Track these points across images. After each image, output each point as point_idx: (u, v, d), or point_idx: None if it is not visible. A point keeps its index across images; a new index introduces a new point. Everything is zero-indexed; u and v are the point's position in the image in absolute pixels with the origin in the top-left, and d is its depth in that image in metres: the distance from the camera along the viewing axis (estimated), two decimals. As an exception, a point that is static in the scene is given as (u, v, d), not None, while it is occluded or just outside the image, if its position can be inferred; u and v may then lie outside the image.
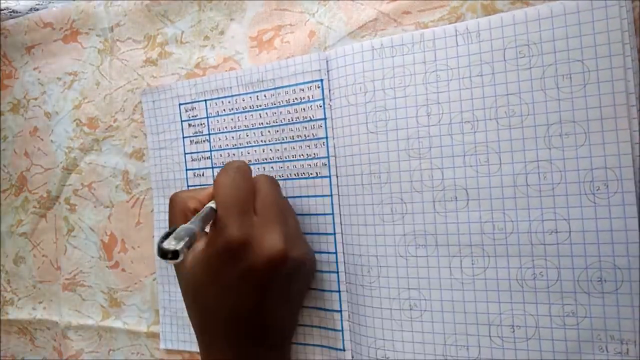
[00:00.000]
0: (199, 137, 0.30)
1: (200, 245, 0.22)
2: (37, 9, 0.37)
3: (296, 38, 0.28)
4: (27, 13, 0.37)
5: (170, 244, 0.17)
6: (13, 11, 0.37)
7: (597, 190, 0.20)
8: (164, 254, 0.17)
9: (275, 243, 0.21)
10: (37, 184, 0.38)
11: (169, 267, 0.32)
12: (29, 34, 0.37)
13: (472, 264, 0.22)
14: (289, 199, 0.27)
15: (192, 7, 0.31)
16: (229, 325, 0.23)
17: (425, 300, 0.23)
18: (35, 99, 0.37)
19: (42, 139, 0.37)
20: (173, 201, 0.24)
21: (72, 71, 0.36)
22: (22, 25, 0.37)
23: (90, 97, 0.35)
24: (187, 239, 0.18)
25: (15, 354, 0.39)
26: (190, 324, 0.25)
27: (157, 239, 0.32)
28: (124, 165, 0.34)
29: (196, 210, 0.23)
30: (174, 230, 0.18)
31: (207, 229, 0.22)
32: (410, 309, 0.24)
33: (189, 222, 0.19)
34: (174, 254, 0.17)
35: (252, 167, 0.29)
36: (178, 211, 0.24)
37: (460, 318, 0.23)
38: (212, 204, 0.22)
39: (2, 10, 0.36)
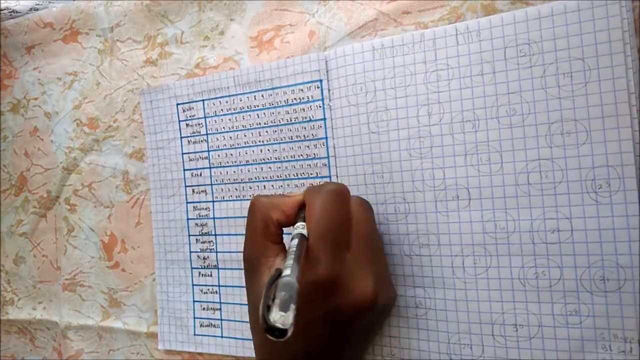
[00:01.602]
0: (197, 137, 0.30)
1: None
2: (37, 9, 0.37)
3: (296, 38, 0.28)
4: (27, 13, 0.37)
5: (277, 318, 0.15)
6: (13, 11, 0.37)
7: (599, 188, 0.20)
8: (270, 331, 0.15)
9: (366, 289, 0.20)
10: (37, 184, 0.37)
11: (167, 268, 0.32)
12: (29, 34, 0.37)
13: (475, 263, 0.22)
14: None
15: (192, 8, 0.31)
16: None
17: (430, 298, 0.23)
18: (35, 99, 0.37)
19: (42, 139, 0.37)
20: (254, 207, 0.22)
21: (72, 71, 0.36)
22: (22, 25, 0.37)
23: (90, 97, 0.35)
24: (293, 307, 0.15)
25: (15, 354, 0.39)
26: (252, 346, 0.23)
27: (156, 240, 0.32)
28: (124, 165, 0.34)
29: (279, 223, 0.21)
30: (274, 280, 0.16)
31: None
32: (416, 307, 0.24)
33: (285, 266, 0.17)
34: (282, 333, 0.15)
35: (250, 167, 0.29)
36: (259, 219, 0.22)
37: (464, 317, 0.23)
38: (302, 229, 0.20)
39: (2, 10, 0.36)
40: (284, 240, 0.22)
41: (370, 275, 0.20)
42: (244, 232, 0.23)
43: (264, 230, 0.21)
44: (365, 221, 0.22)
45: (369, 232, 0.22)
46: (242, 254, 0.31)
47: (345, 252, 0.20)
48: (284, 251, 0.21)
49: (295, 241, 0.19)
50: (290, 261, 0.18)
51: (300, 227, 0.20)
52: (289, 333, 0.15)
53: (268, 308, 0.15)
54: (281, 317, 0.15)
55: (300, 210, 0.22)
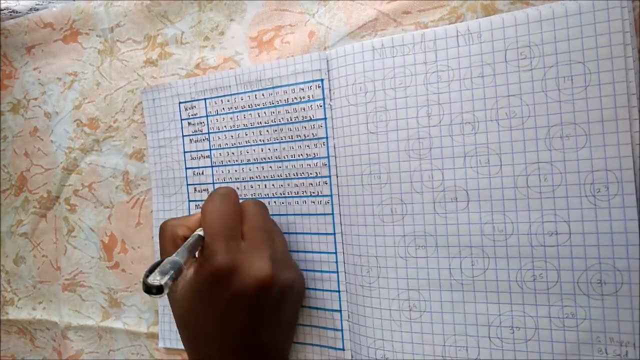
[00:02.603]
0: (199, 136, 0.30)
1: (190, 271, 0.22)
2: (37, 9, 0.37)
3: (296, 38, 0.28)
4: (27, 13, 0.37)
5: (155, 279, 0.17)
6: (13, 11, 0.37)
7: (597, 192, 0.20)
8: (148, 289, 0.17)
9: (262, 268, 0.21)
10: (37, 184, 0.38)
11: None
12: (29, 34, 0.37)
13: (472, 265, 0.22)
14: (287, 199, 0.27)
15: (192, 8, 0.31)
16: (223, 350, 0.23)
17: (424, 301, 0.23)
18: (35, 99, 0.37)
19: (42, 139, 0.37)
20: (162, 229, 0.24)
21: (72, 71, 0.36)
22: (22, 25, 0.37)
23: (90, 98, 0.35)
24: (172, 272, 0.18)
25: (15, 354, 0.39)
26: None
27: (156, 239, 0.32)
28: (124, 165, 0.34)
29: (185, 238, 0.23)
30: (159, 263, 0.19)
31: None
32: (410, 310, 0.24)
33: (174, 254, 0.20)
34: (159, 289, 0.17)
35: (251, 166, 0.29)
36: (168, 239, 0.24)
37: (460, 319, 0.23)
38: (200, 232, 0.22)
39: (2, 10, 0.36)
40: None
41: (265, 257, 0.22)
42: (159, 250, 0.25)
43: (173, 247, 0.23)
44: (256, 214, 0.24)
45: (261, 223, 0.23)
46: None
47: (240, 242, 0.22)
48: (194, 261, 0.23)
49: (190, 238, 0.22)
50: (179, 249, 0.20)
51: (198, 231, 0.23)
52: (165, 290, 0.17)
53: (150, 273, 0.18)
54: (159, 280, 0.17)
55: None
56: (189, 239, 0.22)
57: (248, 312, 0.22)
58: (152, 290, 0.17)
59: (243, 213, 0.23)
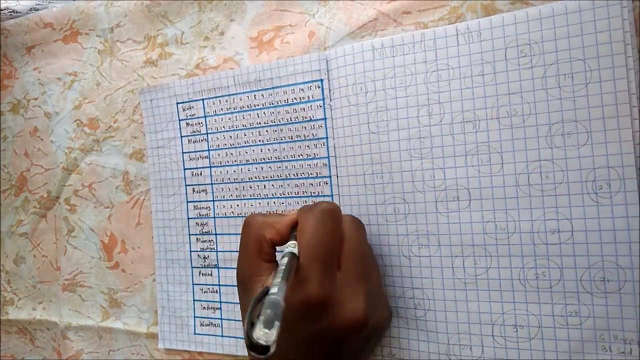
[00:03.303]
0: (197, 137, 0.30)
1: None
2: (37, 9, 0.37)
3: (296, 38, 0.28)
4: (27, 13, 0.37)
5: (260, 335, 0.15)
6: (13, 11, 0.37)
7: (599, 189, 0.20)
8: (254, 347, 0.15)
9: (356, 309, 0.20)
10: (38, 184, 0.37)
11: (167, 267, 0.32)
12: (29, 34, 0.37)
13: (475, 263, 0.22)
14: (287, 199, 0.27)
15: (192, 8, 0.31)
16: None
17: (429, 299, 0.23)
18: (35, 99, 0.37)
19: (42, 139, 0.37)
20: (248, 225, 0.22)
21: (72, 71, 0.36)
22: (22, 26, 0.37)
23: (90, 98, 0.35)
24: (277, 324, 0.15)
25: (15, 354, 0.39)
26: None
27: (157, 239, 0.32)
28: (124, 165, 0.34)
29: (272, 242, 0.22)
30: (260, 298, 0.16)
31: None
32: (415, 308, 0.24)
33: (273, 284, 0.17)
34: (265, 350, 0.15)
35: (250, 167, 0.29)
36: (252, 238, 0.22)
37: (464, 318, 0.23)
38: (293, 249, 0.20)
39: (2, 10, 0.36)
40: (277, 259, 0.22)
41: (361, 295, 0.20)
42: (239, 244, 0.23)
43: (257, 249, 0.22)
44: (357, 240, 0.22)
45: (360, 251, 0.22)
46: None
47: (336, 272, 0.20)
48: (276, 269, 0.21)
49: (285, 260, 0.19)
50: (278, 279, 0.18)
51: (292, 246, 0.21)
52: (272, 350, 0.15)
53: (252, 325, 0.15)
54: (265, 335, 0.15)
55: (293, 230, 0.22)
56: (283, 260, 0.19)
57: (331, 349, 0.20)
58: (257, 349, 0.15)
59: (343, 235, 0.21)
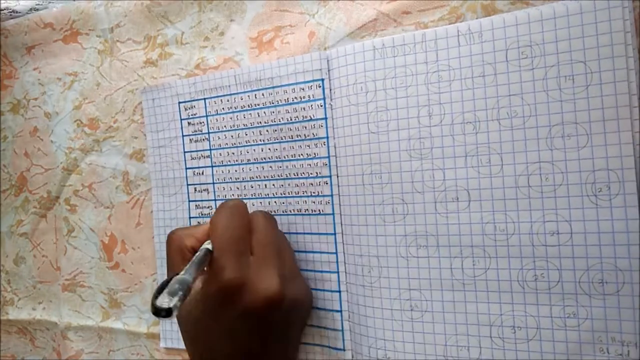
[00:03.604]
0: (199, 136, 0.30)
1: (197, 285, 0.22)
2: (37, 9, 0.37)
3: (296, 39, 0.28)
4: (27, 13, 0.37)
5: (163, 301, 0.17)
6: (13, 11, 0.37)
7: (599, 191, 0.20)
8: (157, 311, 0.17)
9: (271, 284, 0.21)
10: (38, 184, 0.37)
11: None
12: (29, 34, 0.37)
13: (473, 264, 0.22)
14: (287, 199, 0.27)
15: (193, 8, 0.31)
16: None
17: (426, 300, 0.23)
18: (35, 99, 0.37)
19: (42, 139, 0.37)
20: (170, 239, 0.24)
21: (72, 72, 0.36)
22: (22, 26, 0.37)
23: (90, 98, 0.35)
24: (180, 293, 0.17)
25: (15, 354, 0.39)
26: None
27: (157, 239, 0.32)
28: (124, 166, 0.34)
29: (193, 249, 0.23)
30: (167, 283, 0.18)
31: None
32: (411, 310, 0.24)
33: (183, 271, 0.19)
34: (168, 312, 0.17)
35: (251, 166, 0.29)
36: (175, 249, 0.23)
37: (461, 319, 0.23)
38: (208, 245, 0.22)
39: (2, 10, 0.36)
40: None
41: (274, 273, 0.22)
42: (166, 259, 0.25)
43: (180, 258, 0.23)
44: (265, 229, 0.23)
45: (270, 237, 0.23)
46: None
47: (249, 257, 0.22)
48: (202, 273, 0.23)
49: (199, 254, 0.21)
50: (188, 265, 0.20)
51: (206, 244, 0.22)
52: (174, 313, 0.17)
53: (157, 296, 0.17)
54: (168, 301, 0.17)
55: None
56: (197, 254, 0.21)
57: (257, 328, 0.22)
58: (161, 312, 0.17)
59: (252, 226, 0.23)
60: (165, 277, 0.24)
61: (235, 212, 0.23)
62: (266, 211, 0.25)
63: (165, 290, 0.18)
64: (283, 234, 0.26)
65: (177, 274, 0.19)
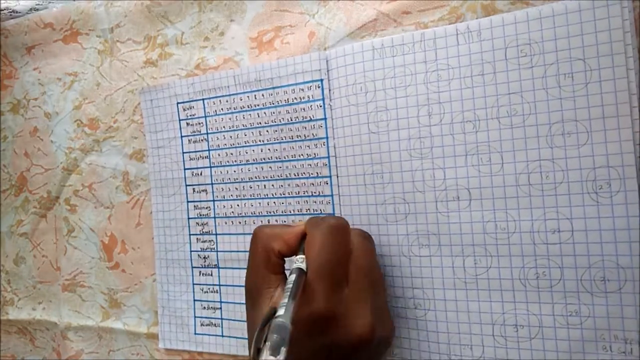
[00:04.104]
0: (197, 137, 0.30)
1: (282, 295, 0.20)
2: (37, 9, 0.37)
3: (296, 39, 0.28)
4: (27, 13, 0.37)
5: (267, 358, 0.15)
6: (13, 11, 0.37)
7: (599, 189, 0.20)
8: None
9: (363, 325, 0.20)
10: (38, 184, 0.37)
11: (167, 267, 0.32)
12: (29, 34, 0.37)
13: (475, 263, 0.22)
14: (287, 199, 0.27)
15: (193, 8, 0.31)
16: None
17: (429, 299, 0.23)
18: (35, 99, 0.37)
19: (42, 139, 0.37)
20: (256, 236, 0.22)
21: (72, 72, 0.36)
22: (22, 26, 0.37)
23: (90, 98, 0.35)
24: (284, 350, 0.15)
25: (15, 354, 0.39)
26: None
27: (157, 239, 0.32)
28: (124, 166, 0.34)
29: (280, 253, 0.22)
30: (265, 325, 0.16)
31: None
32: (415, 308, 0.24)
33: (280, 305, 0.17)
34: None
35: (250, 167, 0.29)
36: (260, 249, 0.22)
37: (464, 317, 0.23)
38: (301, 263, 0.20)
39: (2, 10, 0.36)
40: (287, 272, 0.22)
41: (368, 311, 0.20)
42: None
43: (265, 261, 0.22)
44: (365, 255, 0.22)
45: (368, 265, 0.22)
46: (241, 254, 0.31)
47: (344, 287, 0.20)
48: (285, 281, 0.22)
49: (293, 276, 0.19)
50: (285, 300, 0.18)
51: (300, 261, 0.21)
52: None
53: (258, 351, 0.16)
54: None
55: (302, 241, 0.22)
56: (290, 279, 0.19)
57: None
58: None
59: (351, 247, 0.21)
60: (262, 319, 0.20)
61: (335, 232, 0.21)
62: (366, 232, 0.23)
63: (267, 345, 0.15)
64: (377, 261, 0.24)
65: (274, 312, 0.17)
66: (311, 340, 0.20)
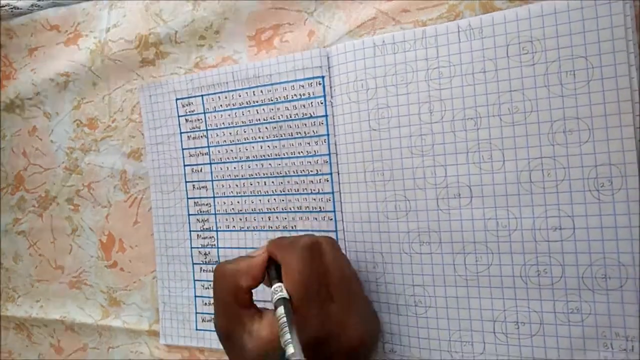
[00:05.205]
0: (197, 133, 0.30)
1: (265, 328, 0.20)
2: (40, 6, 0.36)
3: (295, 37, 0.27)
4: (28, 10, 0.36)
5: None
6: (14, 7, 0.36)
7: (601, 186, 0.20)
8: None
9: (358, 336, 0.21)
10: (36, 183, 0.37)
11: (168, 263, 0.32)
12: (35, 35, 0.37)
13: (476, 261, 0.22)
14: (287, 196, 0.27)
15: (187, 7, 0.30)
16: None
17: (430, 296, 0.23)
18: (34, 99, 0.37)
19: (40, 139, 0.37)
20: (221, 276, 0.21)
21: (64, 72, 0.35)
22: (29, 27, 0.37)
23: (88, 98, 0.35)
24: None
25: (12, 349, 0.39)
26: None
27: (157, 235, 0.32)
28: (121, 165, 0.33)
29: (249, 288, 0.21)
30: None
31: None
32: (415, 305, 0.24)
33: (286, 344, 0.17)
34: None
35: (250, 163, 0.28)
36: (228, 289, 0.21)
37: (465, 314, 0.23)
38: (281, 292, 0.20)
39: (3, 7, 0.36)
40: (260, 304, 0.22)
41: (359, 320, 0.21)
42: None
43: (234, 300, 0.21)
44: (340, 266, 0.22)
45: (347, 275, 0.22)
46: (242, 251, 0.30)
47: (330, 304, 0.21)
48: (257, 312, 0.21)
49: (281, 309, 0.19)
50: (287, 336, 0.18)
51: (279, 290, 0.20)
52: None
53: None
54: None
55: (268, 268, 0.22)
56: (280, 312, 0.19)
57: None
58: None
59: (326, 264, 0.21)
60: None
61: (311, 253, 0.21)
62: (330, 237, 0.23)
63: None
64: (345, 256, 0.24)
65: (284, 353, 0.17)
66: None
